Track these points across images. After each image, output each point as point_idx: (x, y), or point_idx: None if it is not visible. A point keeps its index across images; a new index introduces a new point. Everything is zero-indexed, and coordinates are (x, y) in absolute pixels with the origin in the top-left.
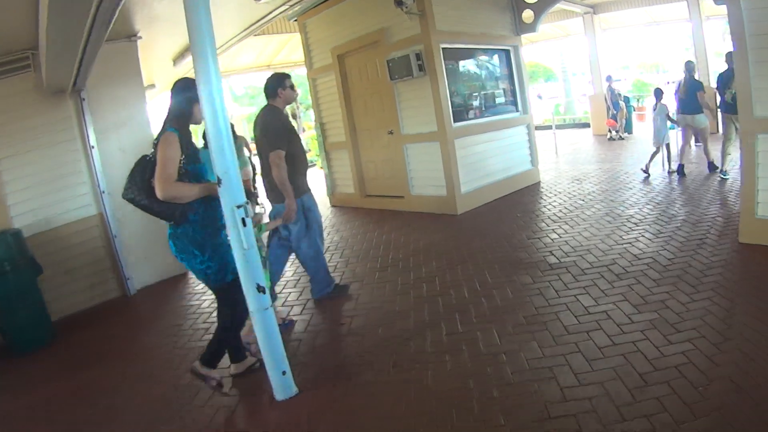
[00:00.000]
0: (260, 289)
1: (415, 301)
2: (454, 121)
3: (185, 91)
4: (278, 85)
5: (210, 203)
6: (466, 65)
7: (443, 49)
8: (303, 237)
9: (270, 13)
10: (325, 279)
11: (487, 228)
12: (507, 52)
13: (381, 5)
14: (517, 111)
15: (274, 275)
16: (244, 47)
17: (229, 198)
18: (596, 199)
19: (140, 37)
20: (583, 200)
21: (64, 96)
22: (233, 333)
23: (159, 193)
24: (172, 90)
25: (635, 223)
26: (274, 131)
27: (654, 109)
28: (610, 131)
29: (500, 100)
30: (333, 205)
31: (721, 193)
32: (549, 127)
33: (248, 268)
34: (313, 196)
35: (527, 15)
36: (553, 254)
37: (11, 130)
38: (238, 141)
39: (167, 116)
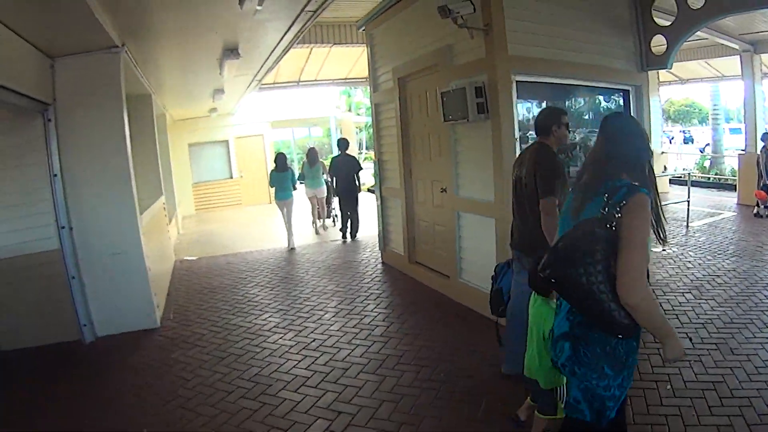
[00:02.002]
0: None
1: None
2: None
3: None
4: (554, 121)
5: None
6: None
7: (518, 83)
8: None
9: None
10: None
11: None
12: (625, 93)
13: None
14: None
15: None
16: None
17: None
18: (710, 340)
19: (125, 49)
20: (691, 336)
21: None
22: None
23: (628, 295)
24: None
25: None
26: (549, 175)
27: None
28: (758, 205)
29: None
30: (383, 262)
31: None
32: (685, 182)
33: None
34: None
35: (657, 43)
36: None
37: None
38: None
39: (616, 162)
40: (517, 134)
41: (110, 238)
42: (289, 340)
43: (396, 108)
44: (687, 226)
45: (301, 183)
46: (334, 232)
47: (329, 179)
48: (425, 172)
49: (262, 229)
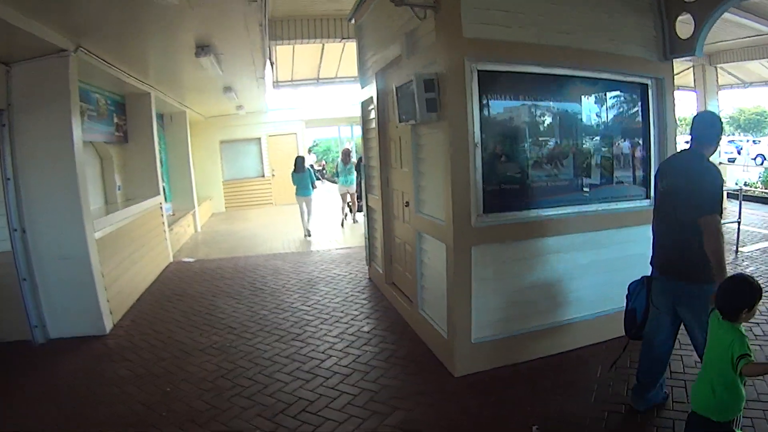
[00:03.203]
0: None
1: None
2: (488, 210)
3: None
4: (720, 132)
5: None
6: (541, 108)
7: (481, 73)
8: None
9: None
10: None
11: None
12: (643, 88)
13: None
14: (647, 197)
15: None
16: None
17: None
18: None
19: (80, 51)
20: None
21: None
22: None
23: None
24: None
25: None
26: (714, 190)
27: None
28: None
29: (615, 175)
30: (369, 278)
31: None
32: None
33: None
34: None
35: (684, 21)
36: None
37: None
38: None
39: None
40: (477, 139)
41: (59, 242)
42: (213, 364)
43: (375, 108)
44: (736, 251)
45: (333, 181)
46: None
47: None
48: (397, 182)
49: (281, 229)
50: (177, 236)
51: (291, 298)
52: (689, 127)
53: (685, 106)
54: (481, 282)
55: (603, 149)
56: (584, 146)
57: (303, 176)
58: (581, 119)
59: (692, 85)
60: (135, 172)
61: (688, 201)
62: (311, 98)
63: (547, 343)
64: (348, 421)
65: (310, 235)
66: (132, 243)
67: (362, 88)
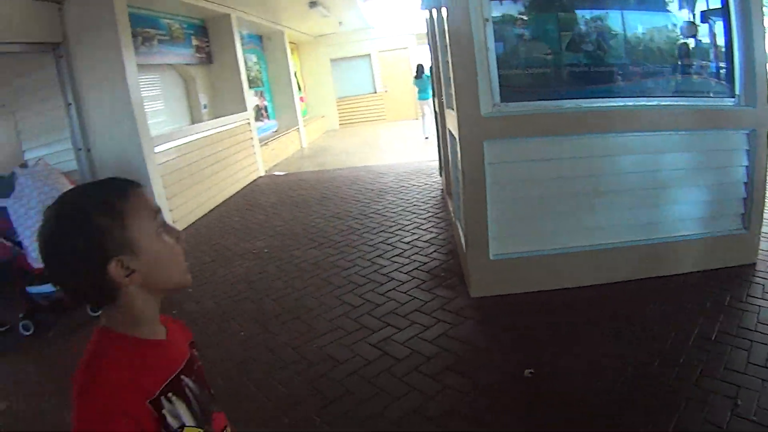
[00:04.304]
0: None
1: None
2: (507, 98)
3: None
4: None
5: None
6: None
7: None
8: None
9: None
10: None
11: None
12: None
13: None
14: (732, 96)
15: None
16: None
17: None
18: None
19: None
20: None
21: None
22: None
23: None
24: None
25: None
26: None
27: None
28: None
29: (686, 63)
30: (441, 189)
31: None
32: None
33: None
34: None
35: None
36: None
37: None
38: (422, 77)
39: None
40: (487, 13)
41: (120, 160)
42: (244, 268)
43: None
44: None
45: None
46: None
47: None
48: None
49: (382, 145)
50: (275, 152)
51: (354, 206)
52: None
53: None
54: (500, 186)
55: (670, 31)
56: (639, 26)
57: (422, 81)
58: None
59: None
60: (221, 91)
61: None
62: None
63: (590, 270)
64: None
65: (427, 138)
66: (206, 159)
67: None
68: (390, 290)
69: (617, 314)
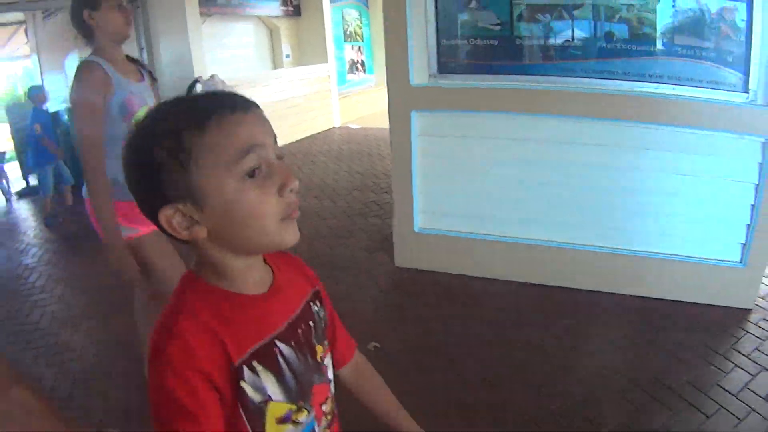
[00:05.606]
0: None
1: None
2: (445, 69)
3: None
4: None
5: None
6: None
7: None
8: None
9: None
10: None
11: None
12: None
13: None
14: (745, 90)
15: None
16: None
17: None
18: None
19: None
20: None
21: None
22: None
23: None
24: None
25: None
26: None
27: None
28: None
29: (680, 42)
30: None
31: None
32: None
33: None
34: None
35: None
36: None
37: None
38: None
39: None
40: None
41: None
42: None
43: None
44: None
45: None
46: None
47: None
48: None
49: None
50: (356, 104)
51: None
52: None
53: None
54: (430, 158)
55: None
56: None
57: None
58: None
59: None
60: (305, 42)
61: None
62: None
63: (519, 265)
64: None
65: None
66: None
67: None
68: (341, 245)
69: (521, 320)
